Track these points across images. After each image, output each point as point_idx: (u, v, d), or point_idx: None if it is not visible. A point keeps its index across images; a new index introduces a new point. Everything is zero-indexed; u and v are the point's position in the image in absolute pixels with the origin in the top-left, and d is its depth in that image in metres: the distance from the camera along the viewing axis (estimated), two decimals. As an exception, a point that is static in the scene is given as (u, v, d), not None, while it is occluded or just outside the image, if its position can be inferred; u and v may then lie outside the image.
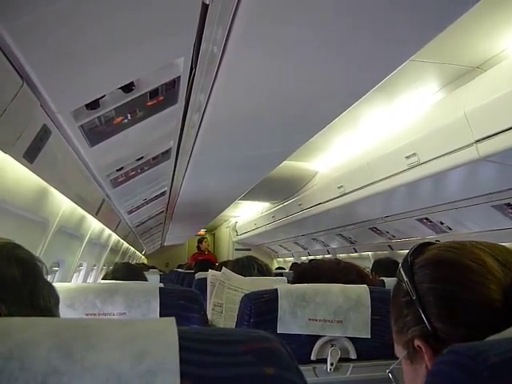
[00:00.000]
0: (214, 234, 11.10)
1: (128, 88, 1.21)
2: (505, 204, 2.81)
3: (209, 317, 1.50)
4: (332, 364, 1.06)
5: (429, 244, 0.70)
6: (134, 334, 0.32)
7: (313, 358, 1.07)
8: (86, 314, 1.18)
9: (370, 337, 1.08)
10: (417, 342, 0.63)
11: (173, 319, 0.34)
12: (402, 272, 0.67)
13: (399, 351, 0.69)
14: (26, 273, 0.62)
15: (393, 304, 0.71)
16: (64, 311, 1.04)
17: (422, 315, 0.61)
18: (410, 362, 0.66)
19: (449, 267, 0.62)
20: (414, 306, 0.63)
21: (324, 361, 1.06)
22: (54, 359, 0.29)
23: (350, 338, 1.08)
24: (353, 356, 1.08)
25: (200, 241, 8.47)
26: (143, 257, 9.04)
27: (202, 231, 10.47)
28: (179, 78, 1.33)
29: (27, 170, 1.26)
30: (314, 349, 1.07)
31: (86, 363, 0.30)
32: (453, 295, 0.60)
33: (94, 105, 1.20)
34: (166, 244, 9.14)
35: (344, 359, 1.08)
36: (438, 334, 0.60)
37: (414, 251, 0.69)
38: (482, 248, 0.63)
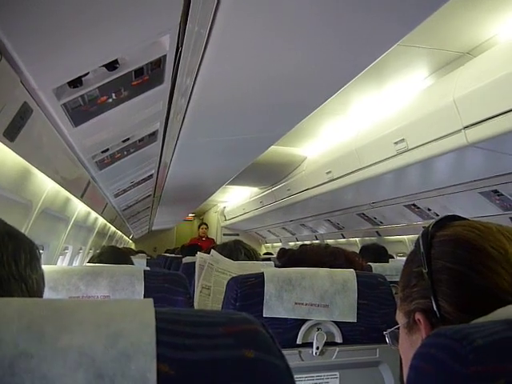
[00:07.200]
0: (202, 218, 11.08)
1: (112, 66, 1.17)
2: (492, 191, 2.83)
3: (196, 299, 1.50)
4: (318, 348, 1.05)
5: (454, 218, 0.67)
6: (110, 315, 0.30)
7: (298, 341, 1.06)
8: (70, 297, 1.16)
9: (356, 321, 1.08)
10: (418, 316, 0.62)
11: (151, 300, 0.32)
12: (421, 242, 0.65)
13: (400, 318, 0.69)
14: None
15: (404, 270, 0.69)
16: (47, 294, 1.01)
17: (431, 291, 0.60)
18: (407, 331, 0.66)
19: (469, 249, 0.60)
20: (424, 279, 0.62)
21: (310, 345, 1.06)
22: (22, 341, 0.27)
23: (335, 322, 1.08)
24: (338, 340, 1.08)
25: (198, 226, 8.46)
26: (131, 241, 9.00)
27: (190, 216, 10.44)
28: (165, 56, 1.30)
29: (8, 149, 1.23)
30: (300, 333, 1.06)
31: (58, 346, 0.28)
32: (466, 279, 0.59)
33: (76, 83, 1.16)
34: (154, 228, 9.11)
35: (330, 343, 1.08)
36: (441, 313, 0.59)
37: (436, 223, 0.66)
38: (508, 236, 0.61)
